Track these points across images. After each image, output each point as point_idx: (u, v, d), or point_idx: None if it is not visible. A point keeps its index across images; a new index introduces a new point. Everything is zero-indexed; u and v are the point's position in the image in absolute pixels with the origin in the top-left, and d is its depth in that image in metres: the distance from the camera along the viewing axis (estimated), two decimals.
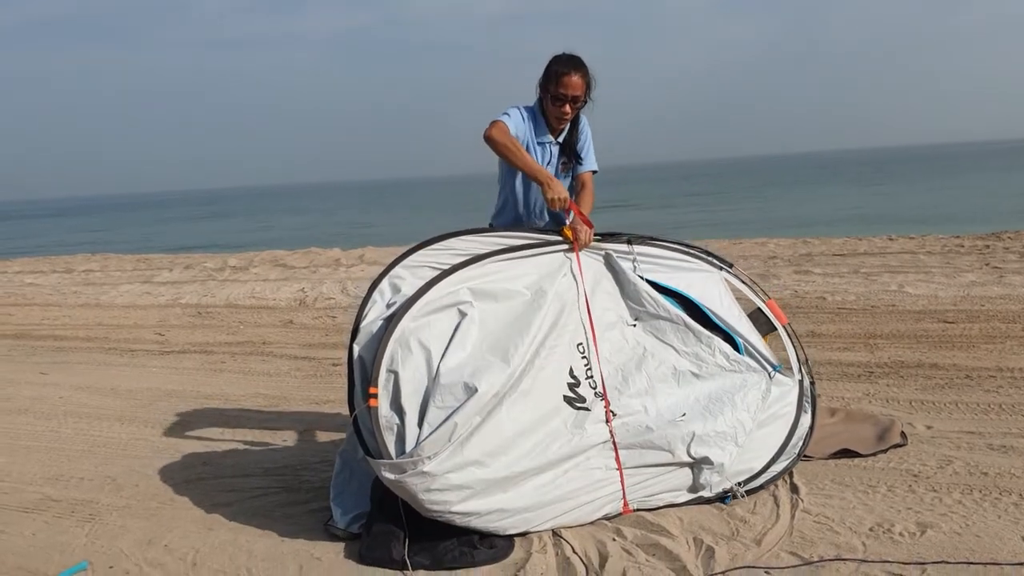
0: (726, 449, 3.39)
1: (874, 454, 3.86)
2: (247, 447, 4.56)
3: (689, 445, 3.36)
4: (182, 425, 5.06)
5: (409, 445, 3.00)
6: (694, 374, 3.50)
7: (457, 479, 2.98)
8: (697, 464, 3.38)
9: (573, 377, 3.32)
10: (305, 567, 3.04)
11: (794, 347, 3.79)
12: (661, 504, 3.36)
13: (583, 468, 3.23)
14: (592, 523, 3.25)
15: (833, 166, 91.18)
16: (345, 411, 5.15)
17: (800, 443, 3.62)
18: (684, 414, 3.39)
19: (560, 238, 3.56)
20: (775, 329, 3.84)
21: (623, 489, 3.30)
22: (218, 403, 5.57)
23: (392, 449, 3.01)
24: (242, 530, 3.40)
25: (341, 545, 3.19)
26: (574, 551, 3.04)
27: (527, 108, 3.88)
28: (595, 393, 3.33)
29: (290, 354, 7.12)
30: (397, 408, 3.05)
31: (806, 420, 3.67)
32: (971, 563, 2.79)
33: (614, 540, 3.11)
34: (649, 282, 3.64)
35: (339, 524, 3.26)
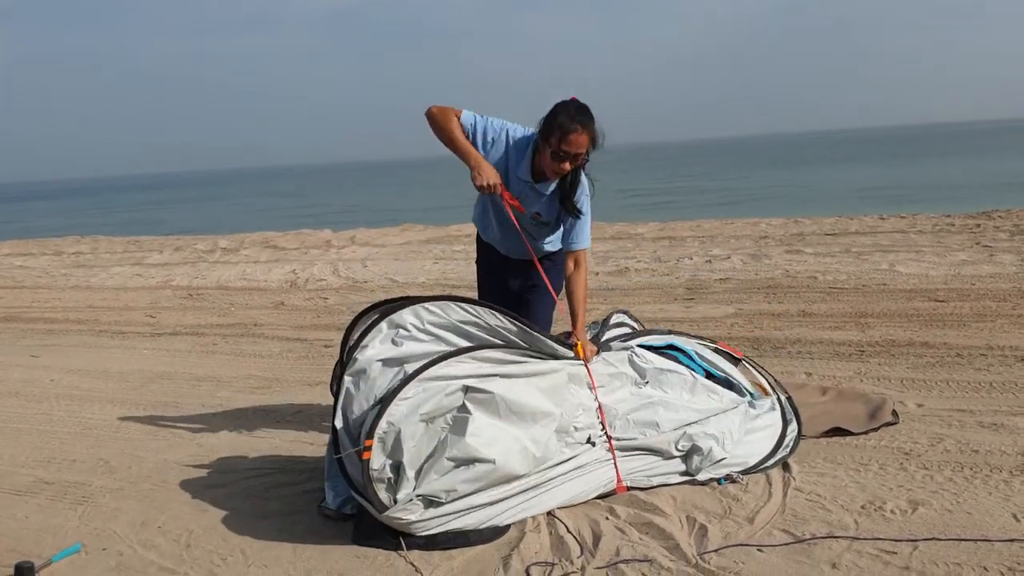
0: (712, 447, 3.47)
1: (865, 432, 3.88)
2: (239, 428, 4.55)
3: (678, 442, 3.45)
4: (174, 407, 5.04)
5: (403, 492, 2.92)
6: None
7: (455, 508, 2.98)
8: (688, 455, 3.46)
9: (590, 443, 3.35)
10: (299, 547, 3.04)
11: (759, 372, 4.04)
12: (655, 484, 3.39)
13: (577, 462, 3.28)
14: (586, 502, 3.26)
15: (828, 146, 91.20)
16: None
17: (791, 444, 3.69)
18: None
19: (572, 354, 3.44)
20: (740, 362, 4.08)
21: (616, 470, 3.32)
22: (210, 385, 5.55)
23: (383, 497, 2.92)
24: (236, 511, 3.40)
25: (335, 525, 3.19)
26: (568, 530, 3.04)
27: (519, 135, 3.66)
28: (605, 448, 3.38)
29: (282, 336, 7.10)
30: (395, 462, 2.94)
31: (793, 427, 3.78)
32: (962, 540, 2.81)
33: (607, 519, 3.12)
34: (643, 346, 3.78)
35: (331, 506, 3.25)
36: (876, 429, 3.91)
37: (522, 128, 3.71)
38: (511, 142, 3.66)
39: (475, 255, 4.25)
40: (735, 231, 12.24)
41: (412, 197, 40.99)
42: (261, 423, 4.63)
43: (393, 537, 2.96)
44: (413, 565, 2.85)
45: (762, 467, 3.50)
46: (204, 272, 11.82)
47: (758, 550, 2.83)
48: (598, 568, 2.77)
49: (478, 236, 4.15)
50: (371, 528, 3.04)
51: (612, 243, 11.89)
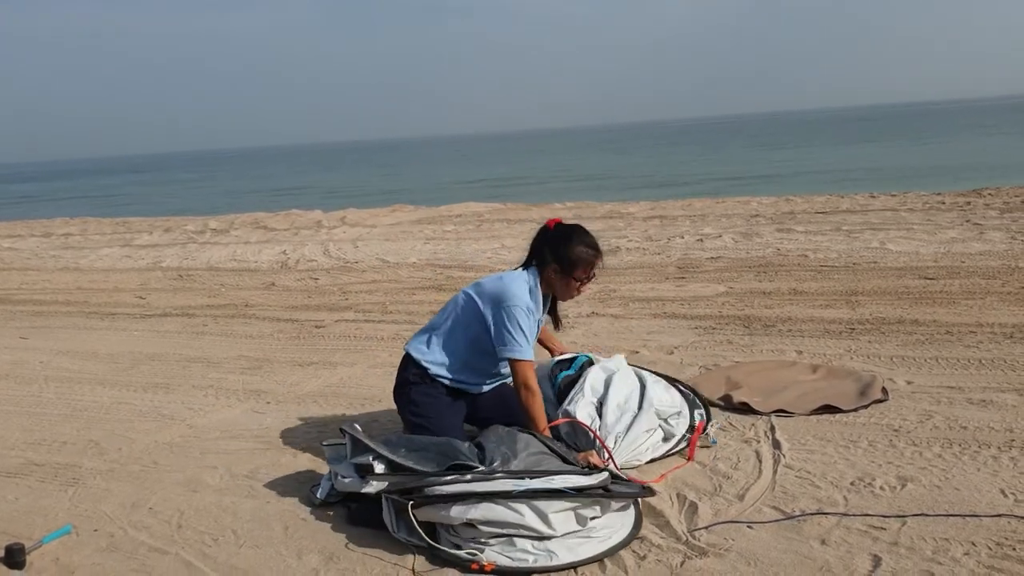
0: (674, 405, 3.64)
1: (855, 410, 3.89)
2: (230, 409, 4.54)
3: (657, 412, 3.55)
4: (165, 388, 5.03)
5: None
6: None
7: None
8: (666, 422, 3.56)
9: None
10: (291, 527, 3.04)
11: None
12: (644, 460, 3.40)
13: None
14: None
15: (820, 124, 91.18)
16: (329, 373, 5.15)
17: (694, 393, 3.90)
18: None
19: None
20: None
21: (607, 451, 3.33)
22: (200, 366, 5.54)
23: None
24: (227, 492, 3.40)
25: (327, 506, 3.18)
26: None
27: (529, 289, 3.53)
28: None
29: (273, 316, 7.09)
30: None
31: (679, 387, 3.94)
32: (951, 515, 2.83)
33: None
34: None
35: (320, 497, 3.22)
36: (866, 406, 3.92)
37: (517, 285, 3.52)
38: (528, 304, 3.51)
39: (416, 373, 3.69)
40: (726, 210, 12.24)
41: (396, 178, 40.83)
42: (252, 404, 4.62)
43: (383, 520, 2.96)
44: (409, 540, 2.85)
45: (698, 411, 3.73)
46: (194, 253, 11.77)
47: (748, 527, 2.84)
48: None
49: (429, 378, 3.65)
50: (363, 510, 3.05)
51: (603, 222, 11.87)
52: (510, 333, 3.44)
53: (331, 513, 3.12)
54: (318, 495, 3.22)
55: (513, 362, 3.45)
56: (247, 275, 9.63)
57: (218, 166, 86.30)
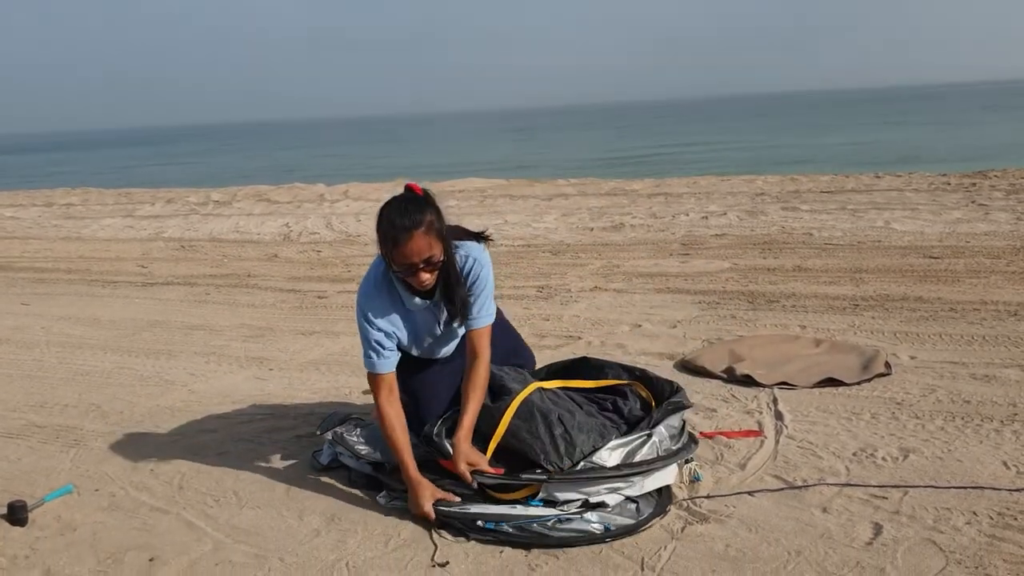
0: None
1: (858, 383, 3.88)
2: (232, 376, 4.54)
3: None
4: (166, 354, 5.03)
5: None
6: None
7: None
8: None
9: None
10: (292, 489, 3.04)
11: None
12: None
13: None
14: None
15: (826, 106, 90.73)
16: (331, 342, 5.14)
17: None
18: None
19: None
20: None
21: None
22: (203, 333, 5.53)
23: None
24: (228, 454, 3.40)
25: (328, 470, 3.18)
26: None
27: (381, 276, 2.89)
28: None
29: (275, 286, 7.07)
30: None
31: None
32: (952, 487, 2.82)
33: None
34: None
35: (323, 461, 3.22)
36: (869, 380, 3.91)
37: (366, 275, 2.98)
38: (383, 293, 2.91)
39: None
40: (731, 188, 12.18)
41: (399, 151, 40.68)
42: (254, 370, 4.62)
43: (386, 476, 2.97)
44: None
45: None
46: (196, 224, 11.75)
47: (749, 495, 2.84)
48: None
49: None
50: (365, 474, 3.05)
51: (607, 199, 11.83)
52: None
53: (332, 477, 3.13)
54: (321, 460, 3.22)
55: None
56: (250, 246, 9.62)
57: (220, 140, 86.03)
